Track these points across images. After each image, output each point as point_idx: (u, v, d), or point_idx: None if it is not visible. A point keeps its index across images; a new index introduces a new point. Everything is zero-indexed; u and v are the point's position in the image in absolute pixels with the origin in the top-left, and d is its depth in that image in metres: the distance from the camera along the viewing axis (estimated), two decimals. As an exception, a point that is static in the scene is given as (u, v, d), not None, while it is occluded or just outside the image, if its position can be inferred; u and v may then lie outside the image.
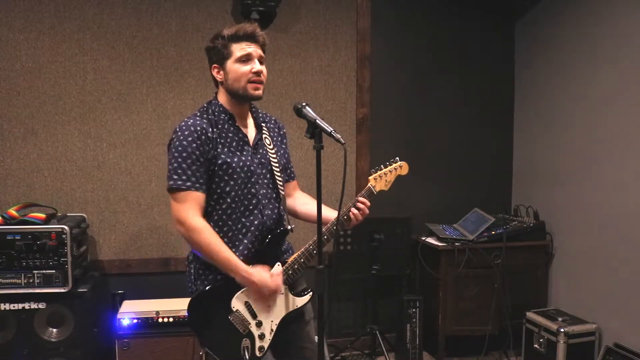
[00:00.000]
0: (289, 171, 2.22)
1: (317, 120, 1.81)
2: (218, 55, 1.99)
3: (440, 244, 3.47)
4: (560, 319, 3.24)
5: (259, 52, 1.99)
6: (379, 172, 2.10)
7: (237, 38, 1.96)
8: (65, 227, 2.80)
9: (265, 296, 1.96)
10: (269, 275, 1.95)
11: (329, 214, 2.04)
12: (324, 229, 1.94)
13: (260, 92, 1.99)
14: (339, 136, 1.78)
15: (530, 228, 3.54)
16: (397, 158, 2.15)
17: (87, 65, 3.27)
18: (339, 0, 3.60)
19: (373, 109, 3.71)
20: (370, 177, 2.10)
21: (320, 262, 1.82)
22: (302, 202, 2.23)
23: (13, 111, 3.20)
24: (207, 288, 1.97)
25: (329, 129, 1.80)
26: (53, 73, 3.23)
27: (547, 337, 3.21)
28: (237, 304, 1.96)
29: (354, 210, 2.01)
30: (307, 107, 1.86)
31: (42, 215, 2.87)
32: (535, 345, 3.31)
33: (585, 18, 3.34)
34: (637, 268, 2.96)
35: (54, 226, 2.82)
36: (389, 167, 2.12)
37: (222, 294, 1.96)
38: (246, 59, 1.96)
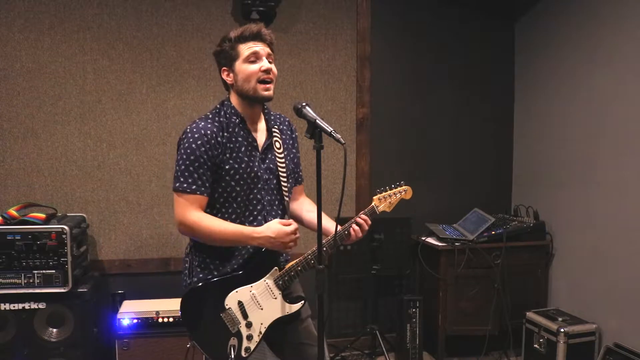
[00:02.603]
0: (296, 175, 2.22)
1: (317, 120, 1.81)
2: (226, 57, 1.99)
3: (440, 244, 3.47)
4: (560, 319, 3.24)
5: (267, 50, 1.99)
6: (383, 194, 2.13)
7: (244, 38, 1.97)
8: (65, 227, 2.80)
9: (288, 244, 1.96)
10: (282, 225, 1.95)
11: (330, 225, 2.02)
12: (324, 241, 1.95)
13: (270, 92, 1.99)
14: (339, 136, 1.78)
15: (530, 228, 3.54)
16: (402, 182, 2.19)
17: (87, 65, 3.27)
18: (339, 0, 3.60)
19: (373, 109, 3.71)
20: (374, 197, 2.13)
21: (320, 262, 1.82)
22: (306, 208, 2.23)
23: (13, 111, 3.20)
24: (201, 284, 1.98)
25: (329, 129, 1.80)
26: (53, 73, 3.23)
27: (547, 337, 3.21)
28: (230, 302, 1.97)
29: (354, 226, 2.03)
30: (307, 107, 1.87)
31: (42, 215, 2.87)
32: (535, 345, 3.31)
33: (585, 18, 3.33)
34: (637, 268, 2.96)
35: (54, 226, 2.82)
36: (394, 190, 2.16)
37: (216, 291, 1.97)
38: (254, 58, 1.96)
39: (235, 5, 3.41)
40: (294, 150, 2.18)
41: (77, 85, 3.26)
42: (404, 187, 2.17)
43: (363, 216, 2.05)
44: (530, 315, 3.38)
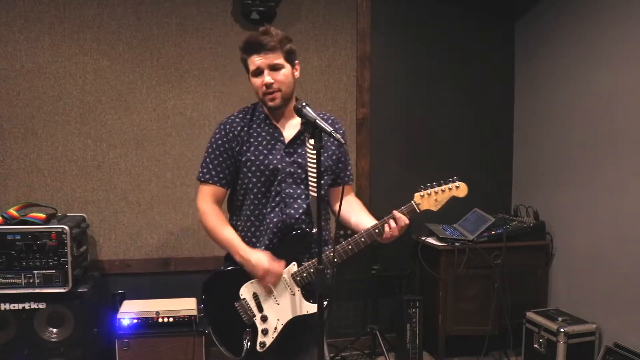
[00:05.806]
0: (342, 174, 2.16)
1: (317, 120, 1.80)
2: (244, 67, 2.06)
3: (440, 244, 3.47)
4: (560, 319, 3.23)
5: (268, 61, 1.96)
6: (428, 190, 2.00)
7: (247, 51, 2.00)
8: (65, 227, 2.80)
9: (263, 278, 1.94)
10: (268, 259, 1.94)
11: (367, 223, 1.99)
12: (340, 247, 2.00)
13: (275, 102, 1.99)
14: (339, 136, 1.77)
15: (530, 228, 3.54)
16: (455, 177, 2.00)
17: (87, 65, 3.27)
18: (339, 0, 3.60)
19: (373, 109, 3.71)
20: (415, 194, 1.99)
21: (320, 262, 1.82)
22: (355, 210, 2.13)
23: (13, 111, 3.20)
24: (221, 270, 2.05)
25: (329, 129, 1.79)
26: (53, 73, 3.23)
27: (547, 337, 3.21)
28: (245, 292, 1.98)
29: (391, 222, 1.94)
30: (307, 107, 1.85)
31: (42, 215, 2.87)
32: (535, 345, 3.31)
33: (585, 18, 3.33)
34: (637, 268, 2.96)
35: (54, 226, 2.82)
36: (443, 186, 2.00)
37: (233, 280, 2.00)
38: (257, 72, 1.99)
39: (235, 5, 3.41)
40: (332, 147, 2.11)
41: (77, 85, 3.26)
42: (456, 183, 1.98)
43: (397, 214, 1.94)
44: (530, 315, 3.38)
